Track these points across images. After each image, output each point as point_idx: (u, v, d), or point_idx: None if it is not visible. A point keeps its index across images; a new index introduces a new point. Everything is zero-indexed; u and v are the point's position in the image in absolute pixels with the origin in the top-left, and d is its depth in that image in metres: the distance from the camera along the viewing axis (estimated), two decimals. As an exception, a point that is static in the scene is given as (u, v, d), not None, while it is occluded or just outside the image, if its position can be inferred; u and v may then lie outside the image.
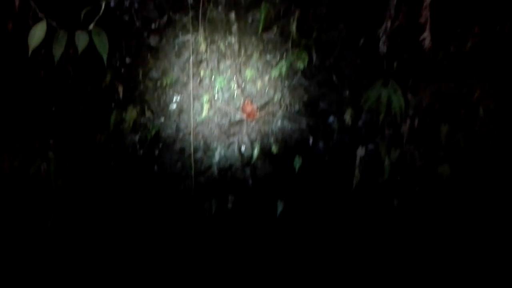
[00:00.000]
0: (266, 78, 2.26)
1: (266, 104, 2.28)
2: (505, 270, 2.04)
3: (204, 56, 2.29)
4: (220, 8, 2.23)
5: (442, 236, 2.12)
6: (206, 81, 2.31)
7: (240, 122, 2.31)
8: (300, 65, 2.19)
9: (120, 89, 2.36)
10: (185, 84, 2.32)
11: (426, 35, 1.96)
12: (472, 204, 2.08)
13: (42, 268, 2.38)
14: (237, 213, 2.32)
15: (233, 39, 2.26)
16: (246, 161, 2.31)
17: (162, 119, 2.36)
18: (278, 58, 2.24)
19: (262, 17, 2.17)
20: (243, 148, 2.31)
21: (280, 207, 2.28)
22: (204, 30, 2.25)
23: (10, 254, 2.38)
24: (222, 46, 2.27)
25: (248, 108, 2.29)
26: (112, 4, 2.30)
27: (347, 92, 2.21)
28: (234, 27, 2.25)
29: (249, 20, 2.24)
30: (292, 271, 2.27)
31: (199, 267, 2.34)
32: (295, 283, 2.26)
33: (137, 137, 2.38)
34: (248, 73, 2.27)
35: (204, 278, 2.32)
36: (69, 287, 2.36)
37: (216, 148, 2.33)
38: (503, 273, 2.04)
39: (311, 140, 2.26)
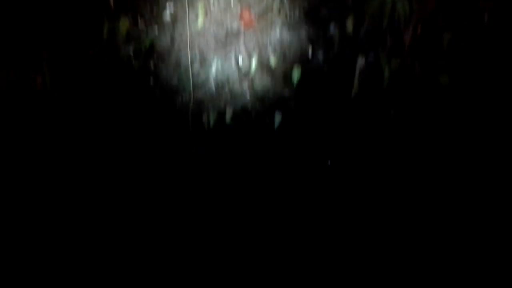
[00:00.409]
0: (265, -17, 2.14)
1: (265, 12, 2.19)
2: (503, 187, 2.08)
3: (198, -41, 2.15)
4: None
5: (437, 147, 2.15)
6: (201, -14, 2.19)
7: (237, 32, 2.23)
8: (301, -33, 2.07)
9: (111, -4, 2.25)
10: (179, -10, 2.21)
11: None
12: (469, 114, 2.08)
13: (40, 181, 2.43)
14: (235, 126, 2.33)
15: None
16: (244, 73, 2.27)
17: (156, 30, 2.28)
18: (278, -40, 2.11)
19: None
20: (240, 60, 2.26)
21: (278, 119, 2.28)
22: None
23: (8, 169, 2.42)
24: None
25: (246, 17, 2.19)
26: None
27: (350, -3, 2.11)
28: None
29: None
30: (290, 182, 2.33)
31: (198, 180, 2.40)
32: (292, 195, 2.33)
33: (131, 49, 2.32)
34: (245, -23, 2.15)
35: (203, 190, 2.39)
36: (68, 203, 2.43)
37: (213, 60, 2.27)
38: (502, 191, 2.08)
39: (310, 51, 2.20)
